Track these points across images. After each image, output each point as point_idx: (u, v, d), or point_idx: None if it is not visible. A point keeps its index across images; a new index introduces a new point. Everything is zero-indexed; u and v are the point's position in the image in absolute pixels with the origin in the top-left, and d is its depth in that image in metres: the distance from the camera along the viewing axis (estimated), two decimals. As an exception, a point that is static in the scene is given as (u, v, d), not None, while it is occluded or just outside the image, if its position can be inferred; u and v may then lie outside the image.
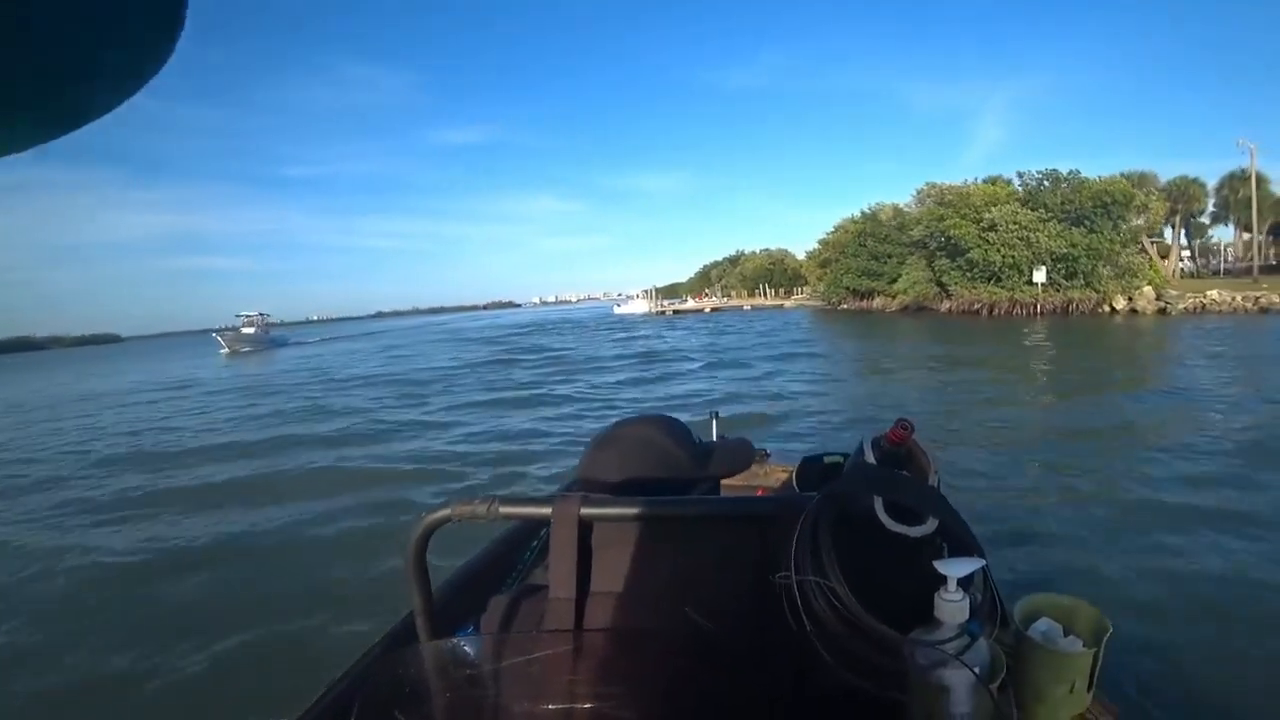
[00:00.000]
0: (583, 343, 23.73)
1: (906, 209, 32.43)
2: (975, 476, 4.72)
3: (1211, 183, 32.79)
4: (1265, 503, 3.86)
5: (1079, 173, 24.56)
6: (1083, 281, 22.84)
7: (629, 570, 0.69)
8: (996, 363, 11.61)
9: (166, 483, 6.37)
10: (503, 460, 6.19)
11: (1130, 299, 22.16)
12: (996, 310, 24.53)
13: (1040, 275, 22.94)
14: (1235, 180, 31.93)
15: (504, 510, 0.73)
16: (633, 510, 0.68)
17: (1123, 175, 25.13)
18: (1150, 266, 23.29)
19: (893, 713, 0.59)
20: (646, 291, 66.12)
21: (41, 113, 0.20)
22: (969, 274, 25.62)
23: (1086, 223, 22.86)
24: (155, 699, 2.62)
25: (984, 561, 0.60)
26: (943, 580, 0.57)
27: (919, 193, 31.40)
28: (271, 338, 43.12)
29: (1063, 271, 23.01)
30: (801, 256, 47.53)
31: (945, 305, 27.08)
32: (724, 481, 0.88)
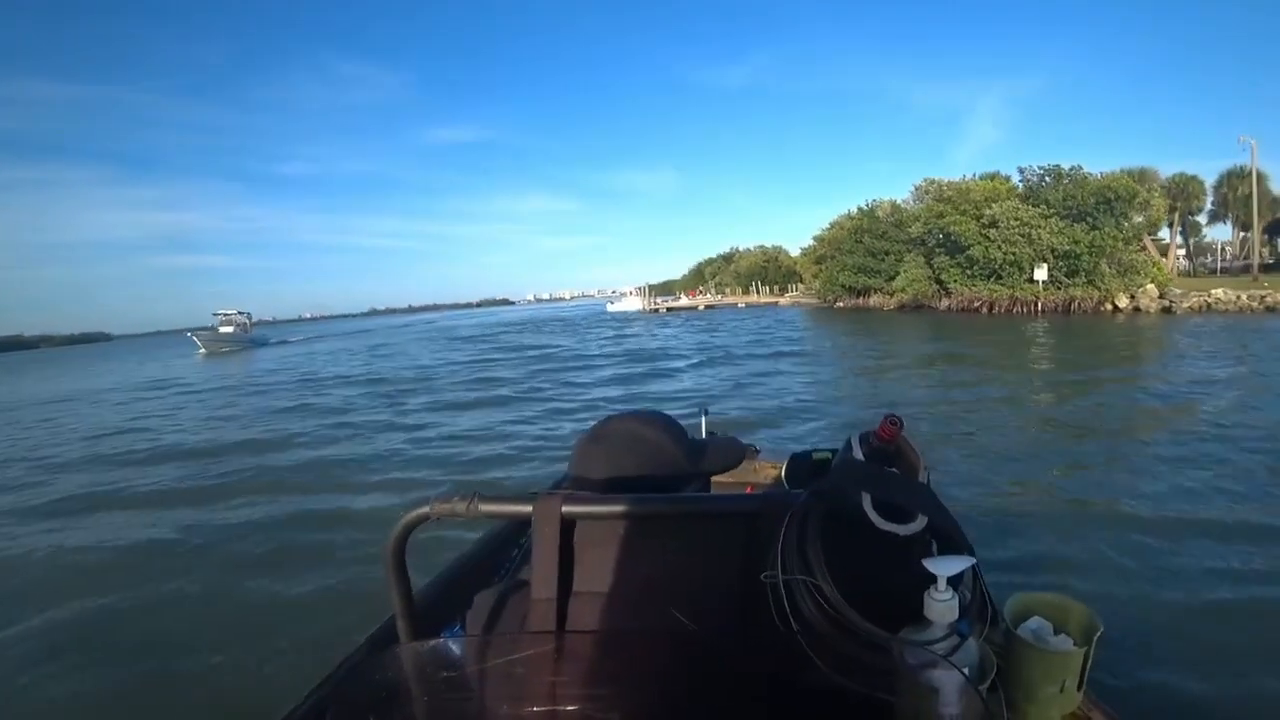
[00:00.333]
0: (573, 340, 23.47)
1: (905, 205, 32.00)
2: (967, 474, 4.66)
3: (1209, 180, 32.62)
4: (1266, 503, 3.79)
5: (1081, 168, 24.18)
6: (1085, 279, 22.37)
7: (613, 569, 0.68)
8: (996, 361, 11.39)
9: (109, 487, 6.11)
10: (479, 464, 6.00)
11: (1133, 297, 21.69)
12: (997, 308, 24.14)
13: (1042, 273, 22.51)
14: (1234, 178, 31.66)
15: (484, 508, 0.71)
16: (616, 508, 0.67)
17: (1124, 171, 24.72)
18: (1154, 264, 22.93)
19: (881, 713, 0.58)
20: (640, 289, 65.26)
21: None
22: (969, 271, 25.25)
23: (1089, 219, 22.41)
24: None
25: (974, 560, 0.59)
26: (932, 579, 0.56)
27: (917, 189, 31.03)
28: (251, 337, 42.36)
29: (1064, 269, 22.59)
30: (796, 254, 47.12)
31: (944, 303, 26.71)
32: (715, 479, 0.88)
